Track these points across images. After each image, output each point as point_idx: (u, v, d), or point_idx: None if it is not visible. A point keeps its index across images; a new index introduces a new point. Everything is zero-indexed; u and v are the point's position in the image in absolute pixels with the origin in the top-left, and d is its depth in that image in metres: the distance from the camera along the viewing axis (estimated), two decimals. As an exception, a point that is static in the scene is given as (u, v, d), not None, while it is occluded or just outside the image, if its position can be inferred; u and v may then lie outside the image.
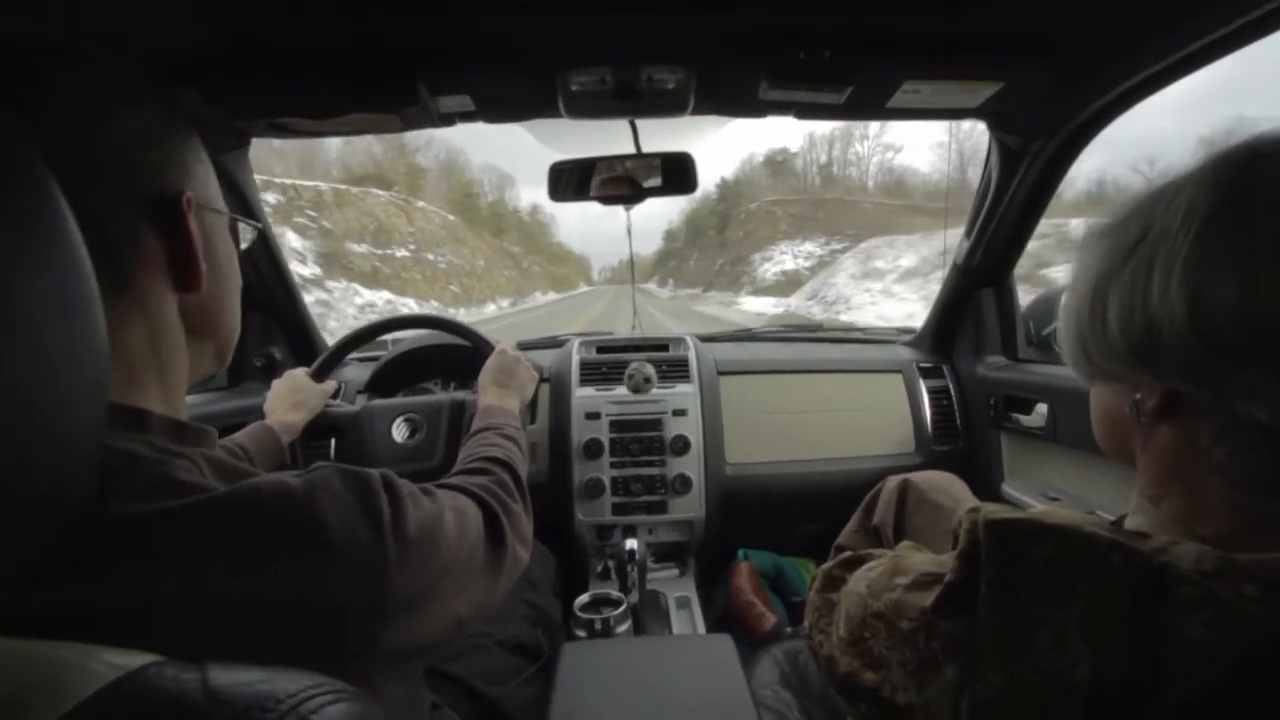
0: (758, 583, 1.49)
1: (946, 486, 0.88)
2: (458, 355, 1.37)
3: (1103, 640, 0.34)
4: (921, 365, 1.55)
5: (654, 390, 1.43)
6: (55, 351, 0.27)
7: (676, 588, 1.38)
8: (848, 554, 0.61)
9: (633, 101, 0.97)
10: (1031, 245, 1.34)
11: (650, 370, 1.42)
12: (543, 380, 1.44)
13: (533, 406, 1.42)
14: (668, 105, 1.00)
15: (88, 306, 0.29)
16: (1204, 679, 0.32)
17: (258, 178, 1.24)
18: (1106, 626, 0.35)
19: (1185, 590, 0.34)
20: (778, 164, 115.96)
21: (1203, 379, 0.37)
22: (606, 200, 1.26)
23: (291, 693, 0.24)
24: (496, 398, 0.95)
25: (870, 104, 0.97)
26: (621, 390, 1.44)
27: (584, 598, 1.05)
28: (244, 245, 0.55)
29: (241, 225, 0.54)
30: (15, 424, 0.25)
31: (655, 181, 1.24)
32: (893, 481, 0.94)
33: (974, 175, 1.32)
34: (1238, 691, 0.32)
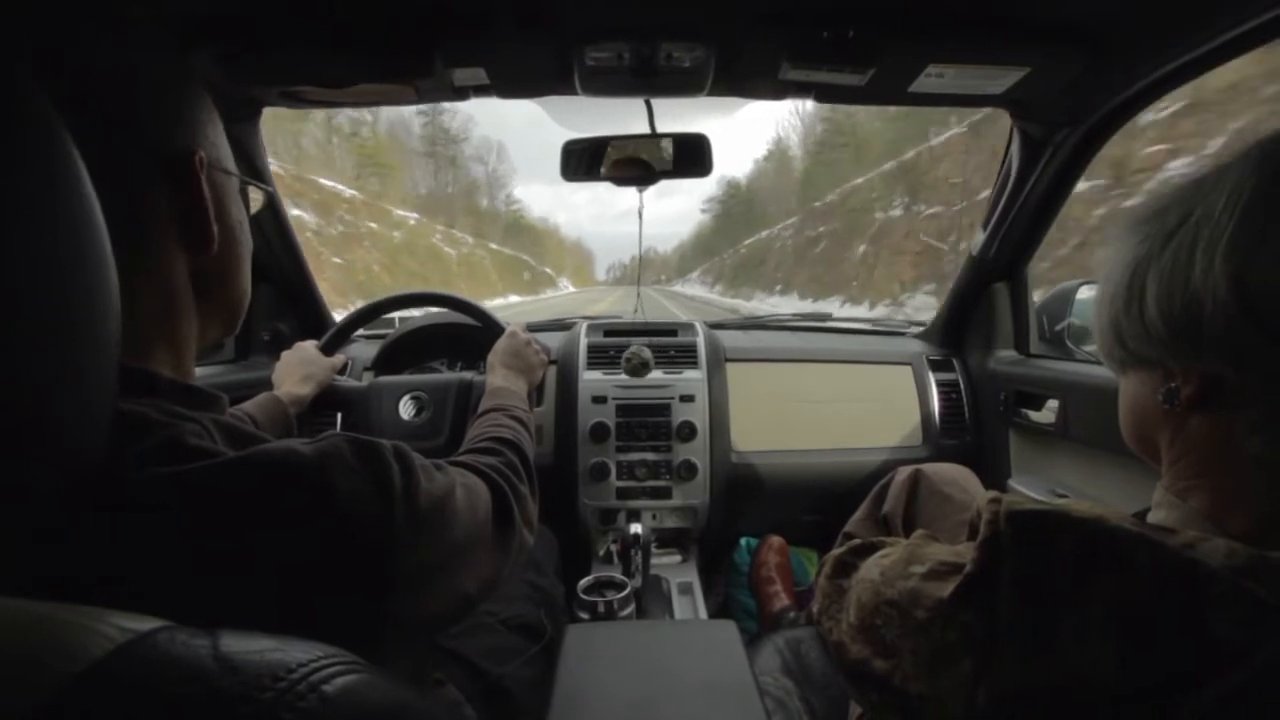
0: (785, 561, 1.50)
1: (958, 479, 0.88)
2: (466, 335, 1.37)
3: (1128, 637, 0.34)
4: (931, 358, 1.54)
5: (661, 375, 1.42)
6: (67, 306, 0.26)
7: (678, 574, 1.38)
8: (858, 541, 0.60)
9: (649, 79, 0.96)
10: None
11: (648, 354, 1.40)
12: (550, 363, 1.43)
13: (539, 389, 1.42)
14: (685, 84, 0.98)
15: (99, 262, 0.28)
16: (1234, 678, 0.31)
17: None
18: (1132, 623, 0.34)
19: (1215, 587, 0.33)
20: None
21: (1245, 361, 0.36)
22: (618, 180, 1.25)
23: (303, 662, 0.24)
24: (505, 379, 0.94)
25: (892, 87, 0.95)
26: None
27: (587, 580, 1.05)
28: (254, 210, 0.54)
29: (251, 191, 0.53)
30: (26, 381, 0.25)
31: (669, 163, 1.22)
32: (904, 471, 0.93)
33: None
34: (1269, 692, 0.31)
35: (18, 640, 0.22)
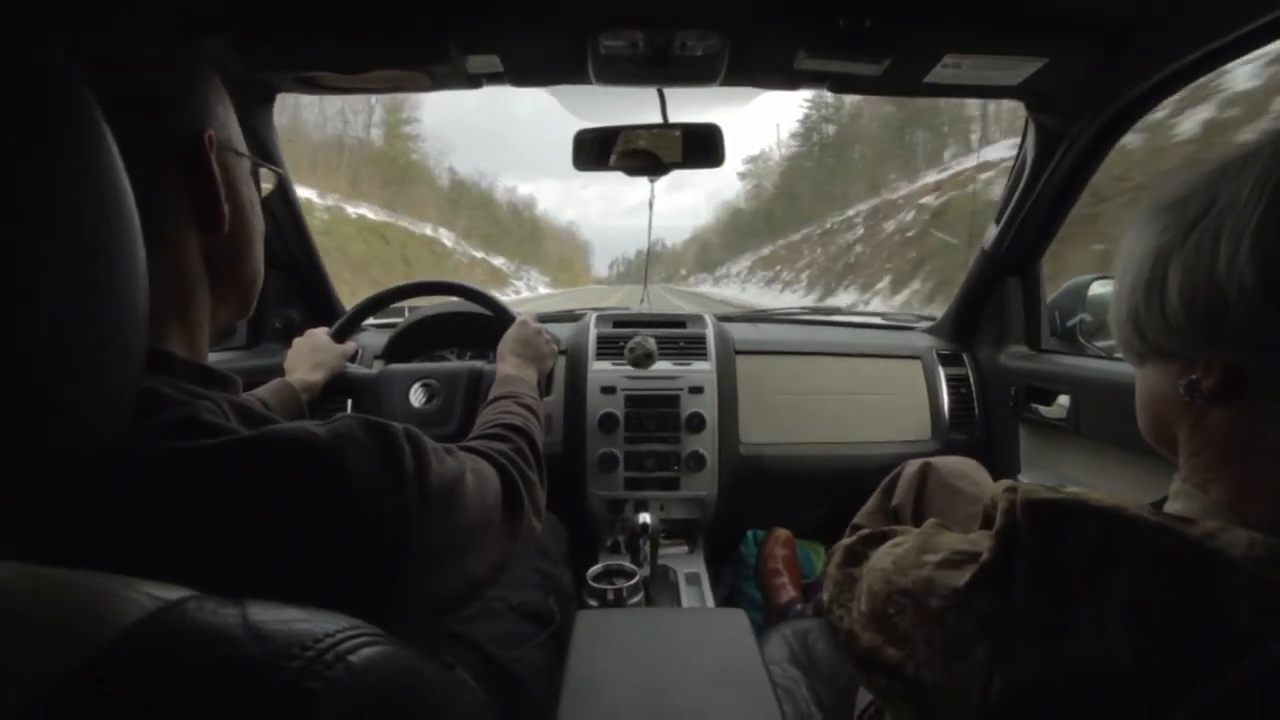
0: (791, 555, 1.50)
1: (968, 472, 0.87)
2: (476, 324, 1.37)
3: (1146, 627, 0.33)
4: (941, 352, 1.54)
5: (670, 367, 1.42)
6: (100, 281, 0.27)
7: (686, 564, 1.39)
8: (868, 531, 0.60)
9: (663, 68, 0.95)
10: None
11: (652, 344, 1.39)
12: (560, 353, 1.44)
13: (548, 379, 1.42)
14: (699, 74, 0.98)
15: (129, 239, 0.29)
16: (1253, 669, 0.31)
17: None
18: (1150, 613, 0.34)
19: (1235, 577, 0.33)
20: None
21: (1270, 350, 0.36)
22: (629, 170, 1.24)
23: (330, 632, 0.24)
24: (515, 368, 0.95)
25: (908, 77, 0.95)
26: None
27: (597, 568, 1.06)
28: (265, 192, 0.54)
29: (263, 174, 0.53)
30: (60, 353, 0.25)
31: (680, 154, 1.22)
32: (914, 464, 0.93)
33: None
34: None
35: (50, 607, 0.23)
